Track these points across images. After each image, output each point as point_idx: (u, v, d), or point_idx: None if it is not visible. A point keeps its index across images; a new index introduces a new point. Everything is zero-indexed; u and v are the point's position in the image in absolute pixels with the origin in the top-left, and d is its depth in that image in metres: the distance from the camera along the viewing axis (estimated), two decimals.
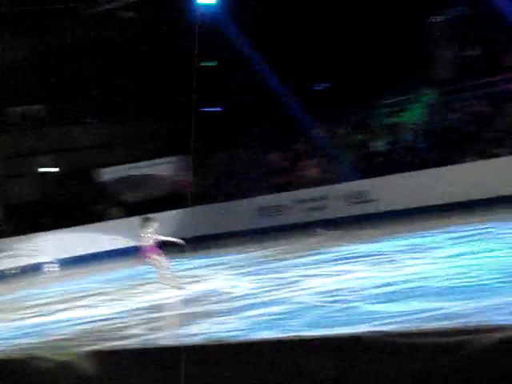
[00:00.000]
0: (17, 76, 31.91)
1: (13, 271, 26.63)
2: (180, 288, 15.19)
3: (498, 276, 10.88)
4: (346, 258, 15.97)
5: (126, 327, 11.96)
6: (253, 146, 31.11)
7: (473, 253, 13.56)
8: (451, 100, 28.02)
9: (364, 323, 9.20)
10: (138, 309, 13.89)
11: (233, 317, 11.29)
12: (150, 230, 15.63)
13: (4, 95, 31.53)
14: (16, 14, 30.82)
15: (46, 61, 32.90)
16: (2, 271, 26.59)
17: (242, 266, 17.95)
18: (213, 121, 32.49)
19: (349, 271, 13.94)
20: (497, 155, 23.67)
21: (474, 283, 10.79)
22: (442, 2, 30.22)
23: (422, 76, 29.84)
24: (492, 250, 13.39)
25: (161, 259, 15.35)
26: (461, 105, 27.43)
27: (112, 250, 27.13)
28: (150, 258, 15.44)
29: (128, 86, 32.93)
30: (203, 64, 34.42)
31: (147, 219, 15.98)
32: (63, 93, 32.92)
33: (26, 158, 31.88)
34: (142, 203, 30.71)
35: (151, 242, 15.45)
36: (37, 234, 27.99)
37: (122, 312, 13.85)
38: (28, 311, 16.04)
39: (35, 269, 27.06)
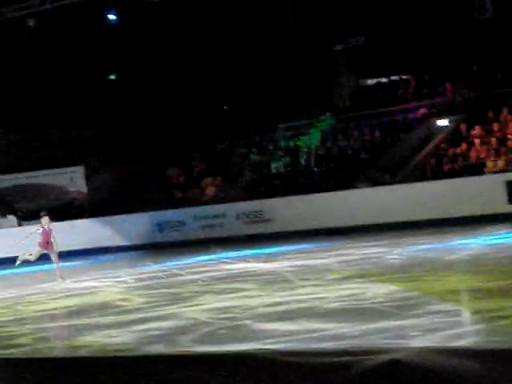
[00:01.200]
0: None
1: None
2: (63, 279, 18.27)
3: (383, 300, 11.24)
4: (239, 276, 16.19)
5: (15, 337, 11.84)
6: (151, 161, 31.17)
7: (361, 276, 13.95)
8: (348, 127, 28.77)
9: (254, 341, 9.38)
10: (29, 318, 13.76)
11: (122, 330, 11.32)
12: (42, 224, 19.05)
13: None
14: None
15: None
16: None
17: (135, 280, 17.96)
18: (112, 133, 32.42)
19: (241, 289, 14.14)
20: (384, 183, 24.52)
21: (361, 306, 11.12)
22: (342, 31, 30.99)
23: (321, 102, 30.52)
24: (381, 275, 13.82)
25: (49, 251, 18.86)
26: (356, 132, 28.19)
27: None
28: (40, 248, 18.96)
29: (30, 94, 32.57)
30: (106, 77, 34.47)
31: (40, 215, 19.41)
32: None
33: None
34: (35, 212, 30.33)
35: (42, 235, 18.81)
36: None
37: (12, 321, 13.69)
38: None
39: None
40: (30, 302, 16.14)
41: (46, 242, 19.53)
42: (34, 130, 33.01)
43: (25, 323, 13.11)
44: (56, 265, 19.46)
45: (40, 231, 19.61)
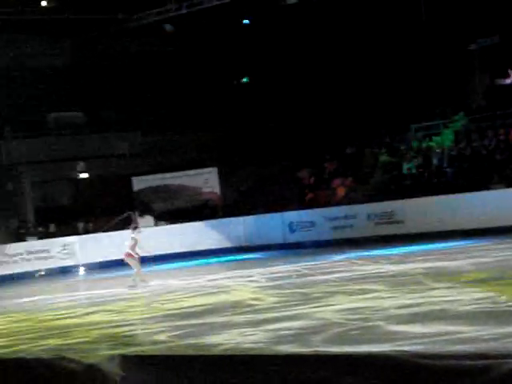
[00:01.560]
0: (58, 83, 32.46)
1: (41, 273, 27.00)
2: (147, 283, 18.77)
3: None
4: (370, 277, 16.16)
5: (153, 333, 12.22)
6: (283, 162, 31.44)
7: (495, 279, 13.70)
8: (481, 127, 28.14)
9: (386, 342, 9.38)
10: (164, 316, 14.16)
11: (255, 329, 11.50)
12: (132, 236, 19.40)
13: (45, 102, 32.07)
14: (57, 22, 31.36)
15: (88, 69, 33.46)
16: (30, 272, 26.95)
17: (266, 280, 18.18)
18: (245, 135, 32.88)
19: (372, 290, 14.12)
20: None
21: (497, 309, 10.93)
22: (476, 31, 30.39)
23: (454, 102, 30.00)
24: None
25: (132, 260, 19.19)
26: (490, 132, 27.54)
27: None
28: (126, 257, 19.34)
29: (166, 98, 33.44)
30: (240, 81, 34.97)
31: (133, 227, 19.85)
32: (103, 101, 33.44)
33: (63, 164, 32.36)
34: (171, 212, 31.09)
35: (129, 245, 19.19)
36: (69, 237, 28.38)
37: (149, 318, 14.13)
38: (57, 313, 16.37)
39: (64, 271, 27.44)
40: (166, 299, 16.60)
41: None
42: (169, 133, 33.87)
43: (161, 321, 13.51)
44: (137, 270, 19.69)
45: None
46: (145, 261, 25.57)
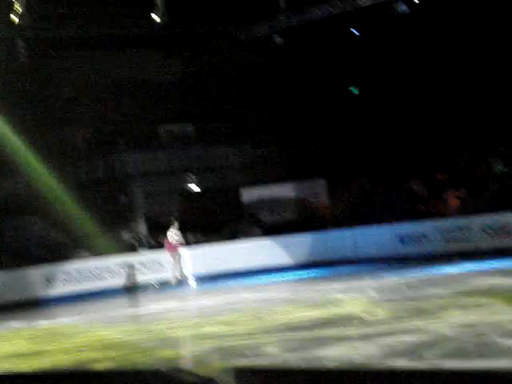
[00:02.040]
0: (169, 96, 33.07)
1: (154, 284, 27.40)
2: (184, 277, 17.91)
3: None
4: (486, 291, 15.76)
5: (263, 345, 12.21)
6: (393, 173, 31.08)
7: None
8: None
9: (503, 358, 9.11)
10: (273, 328, 14.14)
11: (366, 342, 11.36)
12: (172, 230, 19.27)
13: (156, 115, 32.73)
14: (169, 36, 31.97)
15: (199, 82, 33.95)
16: (143, 284, 27.36)
17: (377, 292, 17.97)
18: (354, 146, 32.71)
19: (487, 304, 13.76)
20: None
21: None
22: None
23: None
24: None
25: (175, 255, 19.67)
26: None
27: (248, 269, 27.59)
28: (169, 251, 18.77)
29: (275, 109, 33.63)
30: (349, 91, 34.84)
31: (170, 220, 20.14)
32: (213, 114, 33.86)
33: (174, 176, 32.90)
34: (279, 224, 31.14)
35: (171, 240, 19.18)
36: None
37: (258, 330, 14.13)
38: (169, 324, 16.57)
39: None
40: (275, 312, 16.59)
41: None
42: (278, 145, 34.00)
43: (271, 333, 13.49)
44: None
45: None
46: (252, 273, 25.75)
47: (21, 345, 16.27)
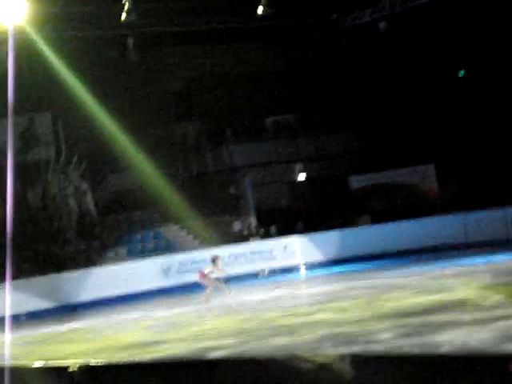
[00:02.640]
0: (275, 87, 33.30)
1: (265, 273, 27.69)
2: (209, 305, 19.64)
3: None
4: None
5: (376, 332, 12.28)
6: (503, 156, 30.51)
7: None
8: None
9: None
10: (385, 315, 14.18)
11: (482, 327, 11.28)
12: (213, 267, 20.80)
13: (263, 105, 33.01)
14: (273, 28, 32.19)
15: (303, 72, 34.05)
16: (252, 273, 27.68)
17: (491, 277, 17.75)
18: (462, 130, 32.22)
19: None
20: None
21: None
22: None
23: None
24: None
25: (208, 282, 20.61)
26: None
27: (357, 256, 27.60)
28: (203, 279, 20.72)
29: (379, 96, 33.44)
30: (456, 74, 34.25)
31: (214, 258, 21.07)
32: (317, 103, 33.92)
33: (281, 166, 33.17)
34: (388, 211, 31.00)
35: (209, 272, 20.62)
36: (289, 238, 28.99)
37: (370, 317, 14.20)
38: (282, 312, 16.80)
39: (286, 271, 28.01)
40: (387, 298, 16.61)
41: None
42: (383, 131, 33.81)
43: (384, 319, 13.54)
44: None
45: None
46: (361, 260, 25.71)
47: (139, 335, 16.75)
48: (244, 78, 33.37)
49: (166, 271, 27.18)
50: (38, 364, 9.26)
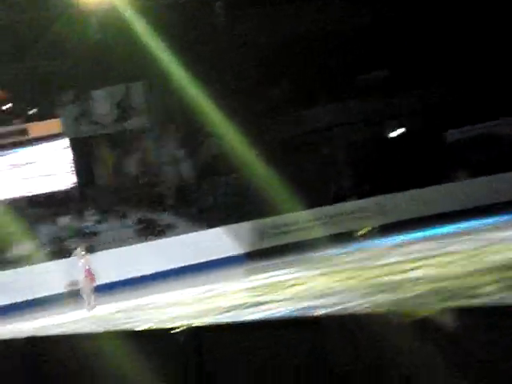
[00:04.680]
0: (362, 44, 32.75)
1: (361, 233, 27.49)
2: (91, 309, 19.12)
3: None
4: None
5: (480, 285, 12.10)
6: None
7: None
8: None
9: None
10: (488, 269, 13.94)
11: None
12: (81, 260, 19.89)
13: (352, 63, 32.56)
14: None
15: (391, 27, 33.34)
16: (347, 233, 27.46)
17: None
18: None
19: None
20: None
21: None
22: None
23: None
24: None
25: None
26: None
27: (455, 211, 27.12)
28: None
29: (468, 49, 32.51)
30: None
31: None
32: (408, 58, 33.20)
33: (372, 124, 32.79)
34: (487, 164, 30.34)
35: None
36: (382, 196, 28.76)
37: (473, 271, 13.99)
38: (383, 269, 16.72)
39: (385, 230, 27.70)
40: (491, 251, 16.31)
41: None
42: (478, 83, 32.93)
43: (488, 272, 13.31)
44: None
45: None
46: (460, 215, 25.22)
47: (240, 297, 16.91)
48: (333, 36, 32.90)
49: (262, 234, 27.31)
50: (143, 327, 9.45)
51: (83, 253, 20.48)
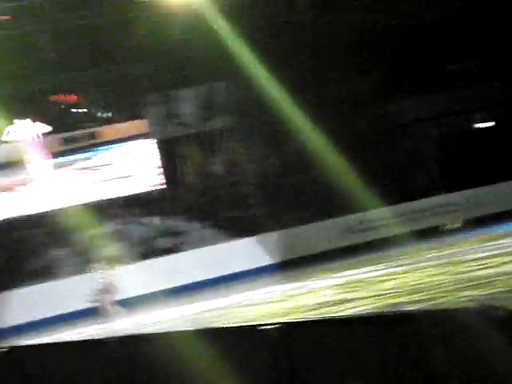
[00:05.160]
0: (448, 34, 32.21)
1: (451, 226, 27.09)
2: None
3: None
4: None
5: None
6: None
7: None
8: None
9: None
10: None
11: None
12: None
13: (436, 54, 32.06)
14: None
15: (477, 17, 32.71)
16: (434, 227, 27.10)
17: None
18: None
19: None
20: None
21: None
22: None
23: None
24: None
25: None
26: None
27: None
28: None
29: None
30: None
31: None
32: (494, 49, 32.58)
33: (461, 115, 32.27)
34: None
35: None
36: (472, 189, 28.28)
37: None
38: (473, 264, 16.43)
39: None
40: None
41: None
42: None
43: None
44: None
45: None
46: None
47: (327, 294, 16.83)
48: (419, 26, 32.35)
49: (348, 230, 27.14)
50: (232, 325, 9.48)
51: (104, 267, 20.53)
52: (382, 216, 27.38)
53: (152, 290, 23.54)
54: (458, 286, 13.77)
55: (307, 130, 29.48)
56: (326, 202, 29.40)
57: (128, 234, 27.99)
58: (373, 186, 26.91)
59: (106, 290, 19.65)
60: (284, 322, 6.81)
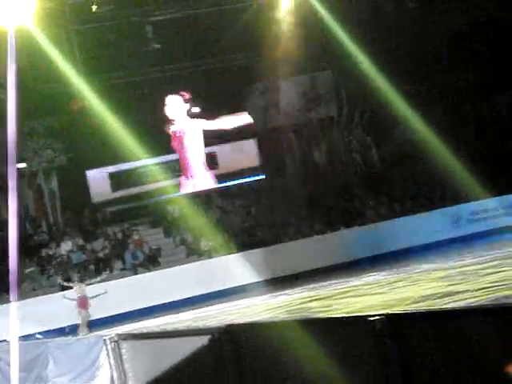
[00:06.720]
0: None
1: None
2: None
3: None
4: None
5: None
6: None
7: None
8: None
9: None
10: None
11: None
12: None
13: None
14: None
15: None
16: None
17: None
18: None
19: None
20: None
21: None
22: None
23: None
24: None
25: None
26: None
27: None
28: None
29: None
30: None
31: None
32: None
33: None
34: None
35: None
36: None
37: None
38: None
39: None
40: None
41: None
42: None
43: None
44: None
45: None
46: None
47: (434, 287, 16.62)
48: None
49: (456, 221, 26.75)
50: (338, 315, 9.46)
51: (77, 282, 20.71)
52: (491, 206, 27.00)
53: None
54: None
55: (412, 120, 29.19)
56: (434, 193, 29.10)
57: (227, 225, 28.13)
58: (482, 176, 26.51)
59: (82, 304, 19.98)
60: (391, 313, 6.78)
